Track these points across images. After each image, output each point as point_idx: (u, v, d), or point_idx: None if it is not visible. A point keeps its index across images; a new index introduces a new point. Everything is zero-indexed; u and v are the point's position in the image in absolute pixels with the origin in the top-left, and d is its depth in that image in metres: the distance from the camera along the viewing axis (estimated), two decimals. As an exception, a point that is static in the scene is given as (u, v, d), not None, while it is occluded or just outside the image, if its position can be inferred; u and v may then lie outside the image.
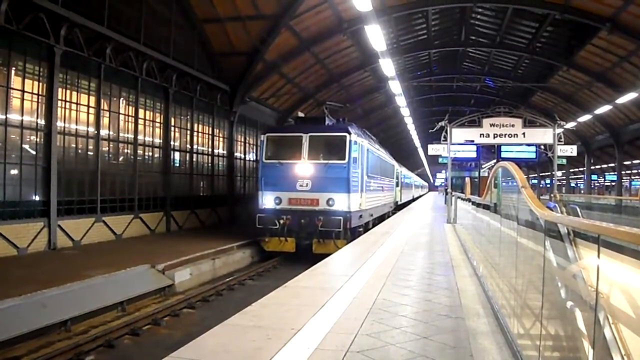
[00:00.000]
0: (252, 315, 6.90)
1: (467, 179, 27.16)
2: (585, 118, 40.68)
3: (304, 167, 18.49)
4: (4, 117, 14.52)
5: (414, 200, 62.97)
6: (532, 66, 39.80)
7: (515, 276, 6.08)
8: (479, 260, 10.63)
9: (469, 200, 16.77)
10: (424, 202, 58.42)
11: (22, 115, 15.11)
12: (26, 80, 15.35)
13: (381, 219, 27.96)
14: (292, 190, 18.52)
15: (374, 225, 23.64)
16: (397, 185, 38.81)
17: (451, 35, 37.10)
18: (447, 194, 30.58)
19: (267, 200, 18.85)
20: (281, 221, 18.35)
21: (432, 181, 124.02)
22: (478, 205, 12.39)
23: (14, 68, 15.03)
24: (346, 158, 18.36)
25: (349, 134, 18.62)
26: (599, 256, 3.23)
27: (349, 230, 18.43)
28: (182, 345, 5.65)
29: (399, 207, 40.54)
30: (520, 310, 5.73)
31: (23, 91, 15.10)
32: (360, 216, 19.94)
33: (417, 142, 59.06)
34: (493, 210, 9.05)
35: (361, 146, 20.06)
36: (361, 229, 20.67)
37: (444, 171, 64.29)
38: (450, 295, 8.43)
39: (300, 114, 23.57)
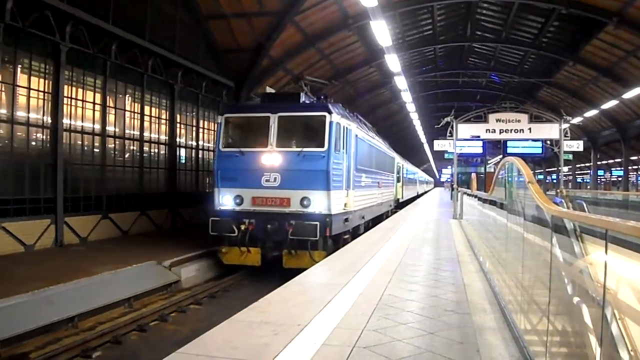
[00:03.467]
0: (258, 311, 6.91)
1: (473, 175, 27.16)
2: (591, 113, 40.61)
3: (271, 157, 14.42)
4: (10, 114, 14.55)
5: (418, 197, 58.20)
6: (538, 61, 39.69)
7: (521, 272, 6.07)
8: (486, 255, 10.63)
9: (475, 196, 16.74)
10: (430, 198, 58.30)
11: (29, 112, 15.14)
12: (32, 78, 15.38)
13: (378, 220, 23.46)
14: (256, 187, 14.45)
15: (367, 229, 19.57)
16: (398, 181, 34.32)
17: (457, 30, 37.01)
18: (453, 189, 30.51)
19: (226, 200, 14.85)
20: (242, 227, 14.31)
21: (437, 177, 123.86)
22: (484, 201, 12.38)
23: (20, 65, 15.05)
24: (325, 145, 14.23)
25: (329, 113, 14.51)
26: (606, 252, 3.22)
27: (330, 238, 14.49)
28: (189, 341, 5.67)
29: (400, 205, 35.95)
30: (527, 306, 5.72)
31: (29, 88, 15.13)
32: (346, 220, 15.91)
33: (422, 138, 59.02)
34: (502, 207, 9.02)
35: (347, 131, 16.00)
36: (347, 236, 16.37)
37: (449, 167, 64.27)
38: (457, 291, 8.43)
39: (269, 89, 18.61)
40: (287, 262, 14.30)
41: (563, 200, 20.04)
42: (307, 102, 16.37)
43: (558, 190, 25.66)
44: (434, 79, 44.86)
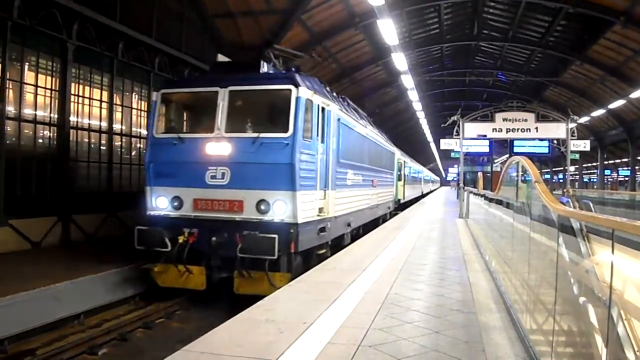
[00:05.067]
0: (264, 310, 6.93)
1: (480, 174, 27.12)
2: (598, 113, 40.49)
3: (218, 146, 10.88)
4: (18, 112, 14.60)
5: (423, 196, 54.48)
6: (545, 60, 39.61)
7: (527, 271, 6.06)
8: (491, 255, 10.63)
9: (481, 195, 16.71)
10: (436, 197, 58.21)
11: (36, 110, 15.18)
12: (39, 76, 15.42)
13: (372, 226, 19.84)
14: (199, 186, 10.93)
15: (354, 239, 15.98)
16: (399, 180, 30.59)
17: (463, 29, 36.97)
18: (459, 188, 30.46)
19: (160, 202, 11.35)
20: (181, 238, 10.64)
21: (444, 176, 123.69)
22: (490, 200, 12.36)
23: (27, 63, 15.09)
24: (290, 129, 10.60)
25: (296, 86, 10.86)
26: (612, 252, 3.22)
27: (295, 256, 10.79)
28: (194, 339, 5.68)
29: (402, 206, 32.61)
30: (532, 306, 5.72)
31: (36, 86, 15.16)
32: (322, 230, 12.04)
33: (429, 137, 58.95)
34: (508, 207, 9.01)
35: (326, 113, 12.35)
36: (324, 251, 12.50)
37: (456, 166, 64.11)
38: (463, 290, 8.43)
39: (222, 57, 13.93)
40: (240, 287, 10.53)
41: (570, 200, 20.01)
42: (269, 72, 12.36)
43: (565, 190, 25.62)
44: (441, 78, 44.79)
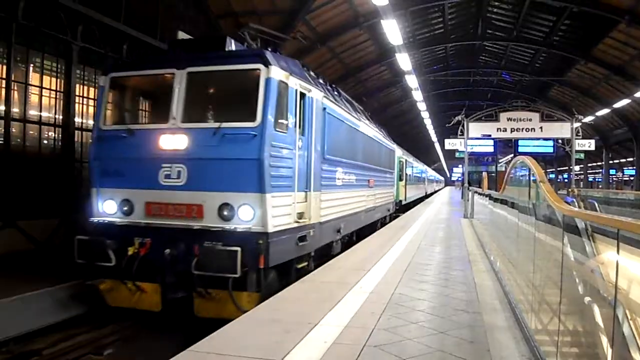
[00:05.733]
0: (270, 310, 6.95)
1: (484, 174, 27.09)
2: (603, 112, 40.44)
3: (174, 139, 9.16)
4: (22, 113, 14.64)
5: (427, 197, 52.95)
6: (549, 60, 39.55)
7: (532, 271, 6.06)
8: (496, 255, 10.62)
9: (486, 195, 16.68)
10: (440, 197, 58.16)
11: (41, 111, 15.22)
12: (44, 77, 15.45)
13: (368, 230, 18.17)
14: (152, 187, 9.19)
15: (347, 247, 14.05)
16: (400, 179, 28.81)
17: (468, 29, 36.96)
18: (464, 188, 30.42)
19: (108, 206, 9.61)
20: (130, 250, 8.89)
21: (448, 175, 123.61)
22: (495, 200, 12.35)
23: (32, 64, 15.13)
24: (258, 116, 8.87)
25: (267, 65, 9.09)
26: (618, 251, 3.22)
27: (267, 272, 8.94)
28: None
29: (404, 207, 30.84)
30: (537, 306, 5.71)
31: (41, 87, 15.20)
32: (302, 239, 10.15)
33: (433, 137, 58.95)
34: (513, 207, 9.00)
35: (307, 100, 10.58)
36: (305, 264, 10.69)
37: (460, 166, 64.07)
38: (468, 290, 8.43)
39: (182, 35, 12.03)
40: (201, 309, 8.81)
41: (574, 200, 19.97)
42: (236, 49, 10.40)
43: (569, 190, 25.57)
44: (445, 78, 44.74)
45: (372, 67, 37.33)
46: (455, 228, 19.55)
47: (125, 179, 9.46)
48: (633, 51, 29.91)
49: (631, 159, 56.15)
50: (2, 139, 13.63)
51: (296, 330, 5.94)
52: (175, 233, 8.87)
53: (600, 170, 65.34)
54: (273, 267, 9.00)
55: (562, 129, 24.81)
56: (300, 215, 10.11)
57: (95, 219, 9.65)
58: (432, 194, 64.50)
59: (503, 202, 10.34)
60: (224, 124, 8.90)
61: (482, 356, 5.31)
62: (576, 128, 24.78)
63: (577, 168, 48.68)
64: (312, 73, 12.56)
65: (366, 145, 17.75)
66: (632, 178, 65.89)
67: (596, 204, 18.67)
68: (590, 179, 77.99)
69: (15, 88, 14.50)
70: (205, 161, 8.98)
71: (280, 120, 9.25)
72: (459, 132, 25.63)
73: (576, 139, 24.96)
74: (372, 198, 18.62)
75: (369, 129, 18.68)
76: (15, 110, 14.38)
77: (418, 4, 29.13)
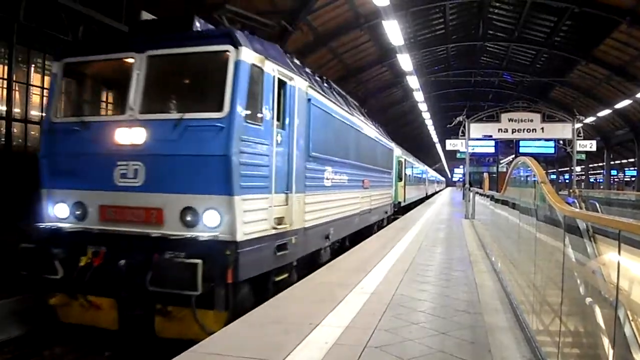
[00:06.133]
0: (270, 310, 6.95)
1: (486, 175, 27.09)
2: (604, 113, 40.46)
3: (130, 133, 7.97)
4: (24, 114, 14.65)
5: (427, 197, 51.78)
6: (550, 60, 39.55)
7: (534, 272, 6.05)
8: (498, 255, 10.61)
9: (487, 195, 16.66)
10: (441, 198, 58.13)
11: (42, 111, 15.24)
12: (45, 77, 15.47)
13: (365, 234, 16.86)
14: (106, 188, 7.99)
15: (338, 253, 12.76)
16: (399, 180, 27.59)
17: (469, 29, 36.96)
18: (465, 189, 30.41)
19: (59, 210, 8.39)
20: (83, 260, 7.71)
21: (449, 176, 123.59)
22: (496, 200, 12.35)
23: (33, 65, 15.14)
24: (226, 106, 7.66)
25: (236, 47, 7.89)
26: (619, 252, 3.21)
27: (238, 287, 7.71)
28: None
29: (404, 209, 29.61)
30: (539, 307, 5.71)
31: (43, 88, 15.22)
32: (281, 247, 8.90)
33: (434, 137, 58.97)
34: (514, 207, 9.00)
35: (289, 90, 9.41)
36: (285, 276, 9.33)
37: (461, 166, 64.06)
38: (469, 291, 8.41)
39: (146, 15, 9.66)
40: (162, 329, 7.59)
41: (576, 201, 19.97)
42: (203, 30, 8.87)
43: (571, 190, 25.56)
44: (446, 79, 44.75)
45: (373, 68, 37.37)
46: (457, 229, 19.54)
47: (78, 179, 8.21)
48: (634, 52, 29.91)
49: (632, 160, 56.13)
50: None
51: (297, 331, 5.94)
52: (132, 241, 7.62)
53: (602, 171, 65.34)
54: (246, 281, 7.77)
55: (564, 130, 24.83)
56: (280, 221, 8.85)
57: (44, 225, 8.35)
58: (433, 194, 64.02)
59: (504, 202, 10.34)
60: (187, 115, 7.71)
61: (483, 357, 5.31)
62: (577, 129, 24.79)
63: (578, 169, 48.66)
64: (296, 61, 11.53)
65: (360, 143, 16.47)
66: (633, 179, 65.86)
67: (597, 205, 18.67)
68: (591, 180, 77.94)
69: (17, 88, 14.54)
70: (165, 158, 7.74)
71: (252, 111, 8.00)
72: (460, 133, 25.64)
73: (577, 139, 24.99)
74: (367, 200, 17.34)
75: (364, 126, 17.50)
76: (16, 110, 14.41)
77: (419, 4, 29.15)
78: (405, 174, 30.58)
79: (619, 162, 67.44)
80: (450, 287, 8.71)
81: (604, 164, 55.39)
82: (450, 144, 31.81)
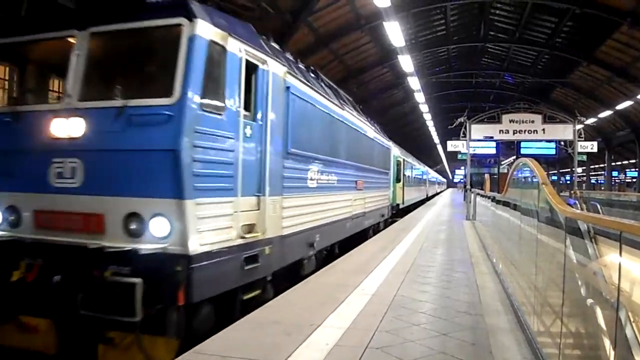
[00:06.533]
0: (272, 311, 6.94)
1: (487, 176, 27.09)
2: (605, 114, 40.47)
3: (67, 124, 6.64)
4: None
5: (428, 199, 50.61)
6: (551, 62, 39.52)
7: (535, 273, 6.05)
8: (499, 257, 10.61)
9: (488, 197, 16.64)
10: (442, 199, 58.11)
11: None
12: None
13: (358, 240, 15.32)
14: (41, 190, 6.76)
15: (326, 262, 11.63)
16: (397, 181, 26.29)
17: (470, 31, 36.94)
18: (466, 190, 30.41)
19: None
20: (15, 274, 6.59)
21: (451, 177, 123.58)
22: (498, 202, 12.34)
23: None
24: (175, 90, 6.25)
25: (190, 19, 6.49)
26: (620, 254, 3.21)
27: (196, 308, 6.50)
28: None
29: (403, 211, 28.29)
30: (540, 308, 5.71)
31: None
32: (249, 261, 7.54)
33: (435, 139, 58.98)
34: (515, 209, 8.99)
35: (261, 75, 8.14)
36: (257, 292, 7.97)
37: (462, 168, 64.01)
38: (470, 292, 8.41)
39: None
40: (106, 357, 6.33)
41: (577, 202, 19.97)
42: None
43: (572, 192, 25.56)
44: (447, 80, 44.78)
45: (374, 69, 37.39)
46: (458, 230, 19.53)
47: (10, 179, 6.98)
48: (635, 53, 29.91)
49: (634, 161, 56.14)
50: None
51: (298, 332, 5.94)
52: (70, 253, 6.40)
53: (603, 172, 65.33)
54: (205, 301, 6.57)
55: (565, 131, 24.84)
56: (249, 228, 7.58)
57: None
58: (433, 196, 63.70)
59: (505, 204, 10.33)
60: (132, 102, 6.36)
61: (485, 358, 5.31)
62: (578, 130, 24.77)
63: (579, 170, 48.73)
64: (274, 45, 10.16)
65: (353, 141, 15.03)
66: (634, 180, 65.83)
67: (598, 206, 18.68)
68: (592, 181, 77.94)
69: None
70: (105, 154, 6.45)
71: (211, 98, 6.65)
72: (461, 134, 25.64)
73: (578, 140, 24.99)
74: (360, 202, 15.88)
75: (357, 122, 15.98)
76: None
77: (420, 5, 29.14)
78: (404, 174, 29.29)
79: (620, 163, 67.39)
80: (451, 289, 8.70)
81: (605, 165, 55.34)
82: (452, 145, 31.86)
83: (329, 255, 12.69)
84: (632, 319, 3.29)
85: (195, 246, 6.18)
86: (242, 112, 7.28)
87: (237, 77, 7.21)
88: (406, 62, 23.03)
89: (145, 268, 5.97)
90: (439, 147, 67.99)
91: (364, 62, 35.40)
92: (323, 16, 26.37)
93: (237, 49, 7.22)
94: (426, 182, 51.78)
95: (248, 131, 7.53)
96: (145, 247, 6.08)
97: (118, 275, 6.01)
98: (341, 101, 14.60)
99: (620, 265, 3.24)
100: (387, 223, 22.40)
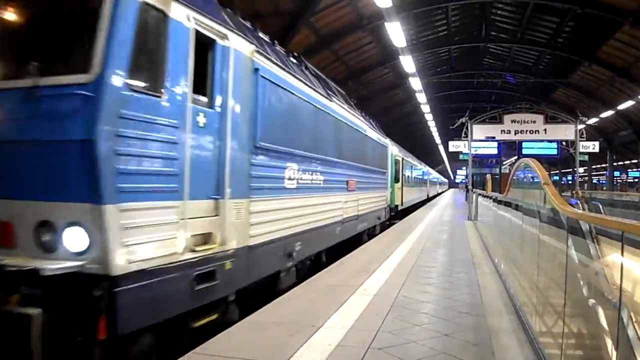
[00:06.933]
0: (274, 312, 6.94)
1: (488, 176, 27.10)
2: (607, 114, 40.46)
3: None
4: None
5: (429, 200, 49.94)
6: (553, 62, 39.46)
7: (537, 273, 6.05)
8: (501, 257, 10.60)
9: (490, 197, 16.63)
10: (444, 200, 58.11)
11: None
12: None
13: (349, 246, 13.79)
14: None
15: (309, 274, 10.23)
16: (396, 181, 25.26)
17: (471, 31, 36.87)
18: (468, 191, 30.40)
19: None
20: None
21: (452, 178, 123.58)
22: (499, 202, 12.34)
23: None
24: (95, 66, 4.83)
25: None
26: (622, 254, 3.21)
27: (115, 344, 4.93)
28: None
29: (402, 213, 26.99)
30: (542, 308, 5.71)
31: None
32: (203, 279, 6.12)
33: (437, 139, 58.97)
34: (517, 209, 8.99)
35: (220, 52, 6.73)
36: (216, 316, 6.60)
37: (464, 168, 64.01)
38: (472, 293, 8.41)
39: None
40: None
41: (579, 202, 19.96)
42: None
43: (574, 192, 25.56)
44: (449, 80, 44.73)
45: (376, 70, 37.31)
46: (459, 230, 19.53)
47: None
48: (637, 53, 29.84)
49: (635, 161, 56.23)
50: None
51: (300, 333, 5.94)
52: None
53: (605, 172, 65.33)
54: (140, 332, 5.29)
55: (566, 131, 24.88)
56: (204, 239, 6.31)
57: None
58: (435, 196, 63.37)
59: (507, 204, 10.33)
60: (44, 80, 5.02)
61: (487, 359, 5.30)
62: (580, 130, 24.81)
63: (581, 170, 48.76)
64: (243, 20, 8.73)
65: (344, 137, 13.57)
66: (636, 180, 65.81)
67: (600, 206, 18.67)
68: (594, 181, 77.91)
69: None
70: (12, 146, 5.14)
71: (145, 76, 5.38)
72: (463, 135, 25.65)
73: (580, 140, 25.01)
74: (353, 204, 14.51)
75: (348, 116, 14.45)
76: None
77: (422, 6, 29.10)
78: (403, 174, 27.96)
79: (621, 163, 67.37)
80: (453, 289, 8.70)
81: (607, 165, 55.31)
82: (453, 146, 31.84)
83: (314, 265, 11.29)
84: (634, 319, 3.29)
85: (120, 264, 4.86)
86: (192, 95, 6.00)
87: (184, 52, 5.90)
88: (408, 63, 23.03)
89: (54, 293, 4.80)
90: (441, 148, 67.98)
91: (366, 62, 35.35)
92: (324, 17, 26.34)
93: (185, 17, 5.93)
94: (427, 183, 50.83)
95: (201, 120, 6.24)
96: (52, 266, 4.71)
97: (27, 300, 4.83)
98: (329, 92, 13.09)
99: (622, 265, 3.24)
100: (385, 226, 21.36)
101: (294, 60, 11.39)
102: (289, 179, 9.08)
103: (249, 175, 7.36)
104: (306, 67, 12.20)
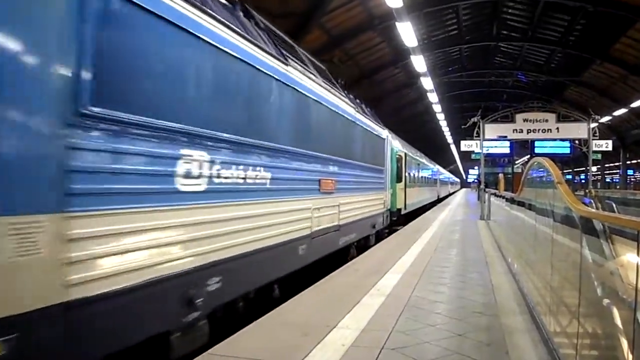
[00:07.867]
0: (287, 313, 6.95)
1: (501, 175, 27.01)
2: (620, 112, 40.20)
3: None
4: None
5: (439, 201, 46.85)
6: (565, 60, 39.31)
7: (550, 273, 6.03)
8: (514, 257, 10.57)
9: (503, 196, 16.58)
10: (456, 199, 57.92)
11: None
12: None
13: (335, 262, 11.48)
14: None
15: (245, 320, 6.70)
16: (398, 180, 21.35)
17: (482, 30, 36.81)
18: (480, 190, 30.31)
19: None
20: None
21: (464, 177, 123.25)
22: (512, 201, 12.30)
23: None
24: None
25: None
26: (638, 253, 3.20)
27: None
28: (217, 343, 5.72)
29: (406, 217, 23.16)
30: (556, 308, 5.69)
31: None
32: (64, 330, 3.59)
33: (449, 139, 58.87)
34: (530, 209, 8.96)
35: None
36: None
37: (476, 167, 63.82)
38: (485, 293, 8.38)
39: None
40: None
41: (592, 201, 19.85)
42: None
43: (587, 191, 25.42)
44: (460, 79, 44.66)
45: (387, 69, 37.33)
46: (472, 230, 19.47)
47: None
48: (650, 50, 29.73)
49: (649, 159, 55.78)
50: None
51: (314, 333, 5.94)
52: None
53: (618, 171, 64.92)
54: None
55: (579, 130, 24.75)
56: (57, 271, 3.77)
57: None
58: (446, 196, 62.38)
59: (520, 203, 10.29)
60: None
61: (501, 359, 5.29)
62: (593, 128, 24.68)
63: (594, 169, 48.45)
64: None
65: (311, 118, 9.90)
66: (650, 178, 65.34)
67: (614, 205, 18.54)
68: (607, 180, 77.44)
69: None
70: None
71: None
72: (475, 134, 25.59)
73: (593, 139, 24.87)
74: (330, 211, 11.00)
75: (319, 90, 10.59)
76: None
77: (432, 5, 29.09)
78: (407, 172, 24.07)
79: (635, 161, 66.93)
80: (466, 289, 8.68)
81: (620, 163, 54.99)
82: (465, 145, 31.79)
83: (257, 303, 7.69)
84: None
85: None
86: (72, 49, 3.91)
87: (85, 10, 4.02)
88: (419, 62, 23.03)
89: None
90: (453, 147, 67.86)
91: (377, 62, 35.38)
92: (335, 17, 26.38)
93: None
94: (437, 182, 47.55)
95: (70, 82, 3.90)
96: None
97: None
98: (292, 57, 9.37)
99: (637, 265, 3.22)
100: (383, 235, 17.95)
101: (231, 6, 7.78)
102: (187, 176, 5.46)
103: (62, 168, 3.89)
104: (252, 18, 8.58)
